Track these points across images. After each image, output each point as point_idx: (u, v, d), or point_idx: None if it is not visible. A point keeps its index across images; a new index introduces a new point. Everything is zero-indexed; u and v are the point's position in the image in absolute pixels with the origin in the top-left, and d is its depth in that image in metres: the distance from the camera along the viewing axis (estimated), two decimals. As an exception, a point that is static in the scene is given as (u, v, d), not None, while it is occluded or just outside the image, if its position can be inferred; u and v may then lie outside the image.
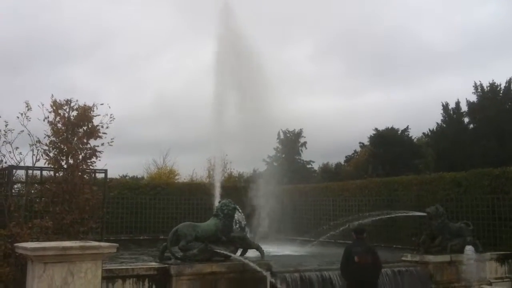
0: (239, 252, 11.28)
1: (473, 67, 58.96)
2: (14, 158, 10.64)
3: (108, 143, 11.38)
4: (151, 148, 61.79)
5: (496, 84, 32.79)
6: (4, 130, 10.49)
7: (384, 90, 67.24)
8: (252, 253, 11.61)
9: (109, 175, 12.79)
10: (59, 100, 11.08)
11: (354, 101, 65.24)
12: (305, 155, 47.78)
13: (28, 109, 10.65)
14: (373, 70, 67.64)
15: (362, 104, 64.26)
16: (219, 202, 11.99)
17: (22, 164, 10.74)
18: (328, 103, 65.98)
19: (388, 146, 40.09)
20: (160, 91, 62.36)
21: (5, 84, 57.38)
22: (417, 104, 57.29)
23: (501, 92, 32.45)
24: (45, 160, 10.91)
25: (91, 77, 66.04)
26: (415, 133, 42.76)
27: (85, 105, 11.17)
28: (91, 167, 11.33)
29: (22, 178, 11.38)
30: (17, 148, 10.63)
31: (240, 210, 12.20)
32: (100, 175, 12.02)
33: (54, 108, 10.99)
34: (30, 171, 10.92)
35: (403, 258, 14.04)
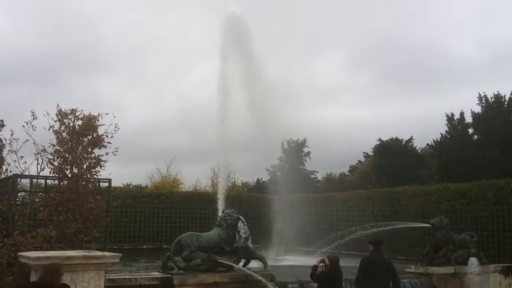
0: (242, 262, 11.28)
1: (498, 80, 58.50)
2: (19, 167, 10.73)
3: (113, 152, 11.45)
4: (164, 157, 61.77)
5: (501, 96, 32.75)
6: (9, 139, 10.58)
7: (406, 102, 66.84)
8: (255, 263, 11.60)
9: (114, 184, 12.83)
10: (64, 109, 11.17)
11: (374, 112, 64.81)
12: (309, 165, 47.68)
13: (33, 118, 10.74)
14: (400, 81, 67.35)
15: (382, 115, 63.85)
16: (223, 212, 11.99)
17: (26, 173, 10.80)
18: (347, 113, 65.73)
19: (392, 157, 40.02)
20: (185, 102, 62.39)
21: (41, 97, 57.65)
22: (436, 116, 56.97)
23: (506, 103, 32.40)
24: (49, 169, 10.97)
25: (122, 88, 66.65)
26: (422, 144, 42.59)
27: (90, 114, 11.24)
28: (95, 176, 11.36)
29: (27, 187, 11.43)
30: (22, 157, 10.72)
31: (243, 220, 12.19)
32: (104, 184, 12.04)
33: (59, 117, 11.06)
34: (34, 180, 10.97)
35: (407, 270, 13.97)
